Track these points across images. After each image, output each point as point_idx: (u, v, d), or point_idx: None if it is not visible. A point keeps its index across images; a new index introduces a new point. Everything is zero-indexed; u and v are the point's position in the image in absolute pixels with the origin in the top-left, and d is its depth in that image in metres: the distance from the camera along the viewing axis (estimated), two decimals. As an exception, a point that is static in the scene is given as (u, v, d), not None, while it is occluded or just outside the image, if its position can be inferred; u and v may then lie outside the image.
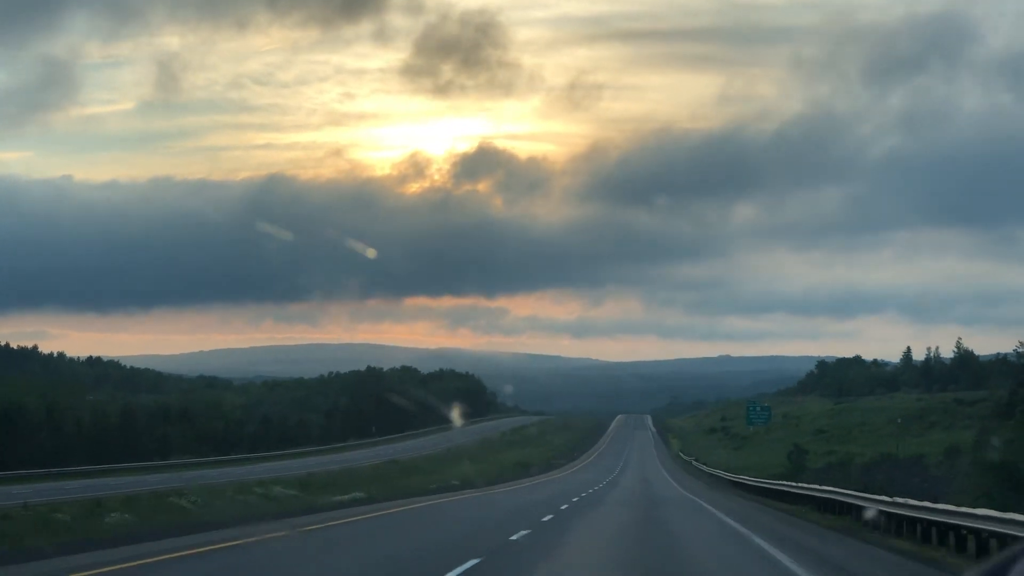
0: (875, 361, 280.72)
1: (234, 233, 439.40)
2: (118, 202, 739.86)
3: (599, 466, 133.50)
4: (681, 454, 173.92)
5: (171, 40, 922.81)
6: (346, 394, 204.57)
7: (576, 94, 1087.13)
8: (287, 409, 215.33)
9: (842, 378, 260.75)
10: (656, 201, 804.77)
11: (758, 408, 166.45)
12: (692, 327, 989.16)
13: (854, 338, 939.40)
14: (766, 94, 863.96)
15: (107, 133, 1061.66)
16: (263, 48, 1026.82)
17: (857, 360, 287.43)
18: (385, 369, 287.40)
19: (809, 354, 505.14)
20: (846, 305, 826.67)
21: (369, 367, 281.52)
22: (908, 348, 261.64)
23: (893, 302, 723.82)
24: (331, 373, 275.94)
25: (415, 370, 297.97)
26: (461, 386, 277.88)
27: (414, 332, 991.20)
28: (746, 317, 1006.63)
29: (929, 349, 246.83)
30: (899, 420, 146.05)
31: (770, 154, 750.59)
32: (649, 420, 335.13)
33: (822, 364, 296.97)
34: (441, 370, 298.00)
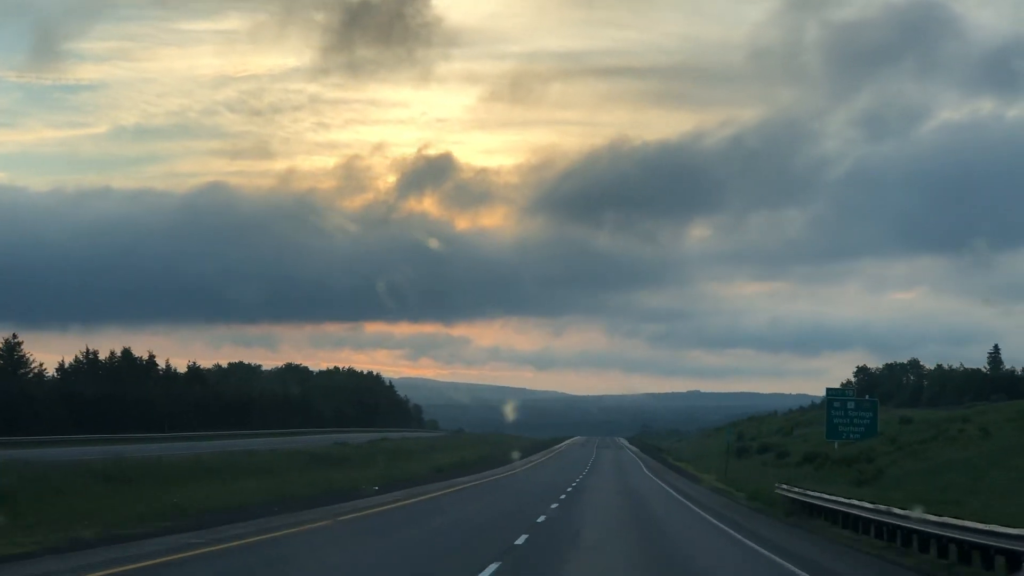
0: (939, 366, 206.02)
1: (175, 247, 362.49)
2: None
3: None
4: (813, 494, 42.80)
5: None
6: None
7: (540, 118, 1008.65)
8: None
9: (911, 387, 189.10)
10: (612, 224, 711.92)
11: (850, 406, 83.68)
12: (657, 361, 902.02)
13: (821, 376, 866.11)
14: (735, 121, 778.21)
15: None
16: (239, 74, 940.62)
17: (915, 365, 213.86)
18: (266, 369, 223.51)
19: (780, 391, 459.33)
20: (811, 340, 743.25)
21: (244, 363, 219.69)
22: (996, 346, 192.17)
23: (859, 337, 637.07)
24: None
25: (305, 369, 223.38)
26: (356, 386, 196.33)
27: (375, 361, 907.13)
28: (712, 352, 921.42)
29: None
30: None
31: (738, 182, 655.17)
32: (624, 441, 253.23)
33: (863, 371, 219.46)
34: (336, 368, 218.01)
